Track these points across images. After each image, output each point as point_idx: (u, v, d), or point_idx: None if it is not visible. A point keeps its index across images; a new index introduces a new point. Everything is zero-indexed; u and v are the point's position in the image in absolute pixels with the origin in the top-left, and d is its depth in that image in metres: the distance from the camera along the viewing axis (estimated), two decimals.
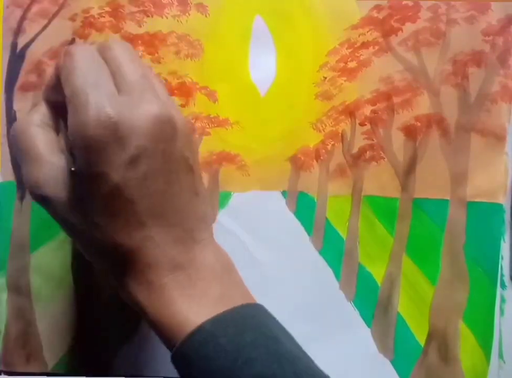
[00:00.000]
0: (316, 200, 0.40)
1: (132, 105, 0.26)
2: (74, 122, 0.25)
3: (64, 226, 0.29)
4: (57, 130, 0.30)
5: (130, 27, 0.41)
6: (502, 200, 0.39)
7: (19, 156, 0.28)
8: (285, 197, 0.41)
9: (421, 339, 0.39)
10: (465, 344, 0.39)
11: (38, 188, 0.28)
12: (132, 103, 0.26)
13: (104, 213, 0.26)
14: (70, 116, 0.26)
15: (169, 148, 0.27)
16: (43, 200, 0.28)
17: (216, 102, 0.41)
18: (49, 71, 0.41)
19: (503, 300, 0.39)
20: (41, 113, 0.29)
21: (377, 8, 0.40)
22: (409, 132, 0.40)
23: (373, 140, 0.40)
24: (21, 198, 0.41)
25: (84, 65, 0.26)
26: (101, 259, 0.29)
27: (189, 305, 0.27)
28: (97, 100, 0.25)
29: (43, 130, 0.29)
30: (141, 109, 0.26)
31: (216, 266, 0.29)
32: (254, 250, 0.40)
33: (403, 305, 0.40)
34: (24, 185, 0.28)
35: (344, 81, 0.40)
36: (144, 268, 0.27)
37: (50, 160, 0.28)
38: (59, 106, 0.28)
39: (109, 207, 0.26)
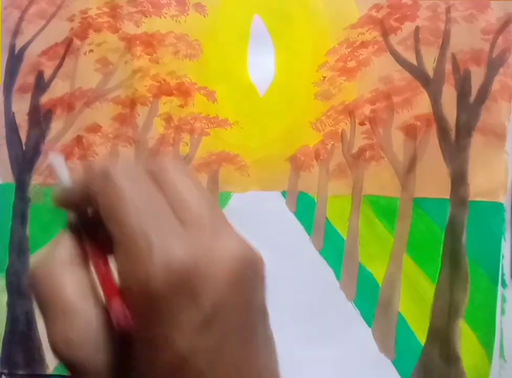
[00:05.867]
0: (316, 200, 0.40)
1: (206, 245, 0.19)
2: (130, 271, 0.19)
3: None
4: (85, 260, 0.23)
5: (128, 27, 0.41)
6: (502, 199, 0.39)
7: (42, 307, 0.22)
8: (285, 197, 0.41)
9: (422, 339, 0.39)
10: (466, 343, 0.39)
11: (68, 349, 0.21)
12: (206, 242, 0.20)
13: None
14: (123, 262, 0.20)
15: (251, 301, 0.20)
16: (72, 364, 0.21)
17: (216, 102, 0.41)
18: (47, 72, 0.41)
19: (504, 299, 0.39)
20: (63, 245, 0.23)
21: (376, 7, 0.40)
22: (409, 131, 0.40)
23: (372, 140, 0.40)
24: (20, 199, 0.41)
25: (135, 196, 0.20)
26: None
27: None
28: (163, 241, 0.19)
29: (70, 270, 0.22)
30: (219, 250, 0.19)
31: None
32: None
33: (403, 305, 0.39)
34: (49, 341, 0.21)
35: (344, 80, 0.40)
36: None
37: (83, 312, 0.21)
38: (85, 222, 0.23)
39: None
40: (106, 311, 0.21)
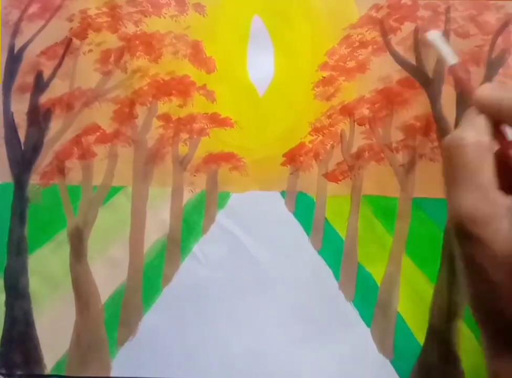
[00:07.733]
0: (315, 200, 0.40)
1: None
2: None
3: (473, 272, 0.23)
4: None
5: (128, 27, 0.41)
6: None
7: (453, 174, 0.23)
8: (284, 197, 0.41)
9: (421, 339, 0.39)
10: (465, 343, 0.39)
11: (471, 224, 0.22)
12: None
13: None
14: None
15: None
16: (469, 239, 0.22)
17: (215, 102, 0.41)
18: (46, 72, 0.41)
19: None
20: (487, 133, 0.24)
21: (376, 7, 0.40)
22: (409, 131, 0.40)
23: (372, 140, 0.40)
24: (19, 199, 0.41)
25: None
26: (490, 324, 0.23)
27: None
28: None
29: (491, 159, 0.23)
30: None
31: None
32: (253, 251, 0.40)
33: (402, 305, 0.39)
34: (454, 211, 0.23)
35: (343, 80, 0.40)
36: None
37: (495, 198, 0.22)
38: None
39: None
40: None
